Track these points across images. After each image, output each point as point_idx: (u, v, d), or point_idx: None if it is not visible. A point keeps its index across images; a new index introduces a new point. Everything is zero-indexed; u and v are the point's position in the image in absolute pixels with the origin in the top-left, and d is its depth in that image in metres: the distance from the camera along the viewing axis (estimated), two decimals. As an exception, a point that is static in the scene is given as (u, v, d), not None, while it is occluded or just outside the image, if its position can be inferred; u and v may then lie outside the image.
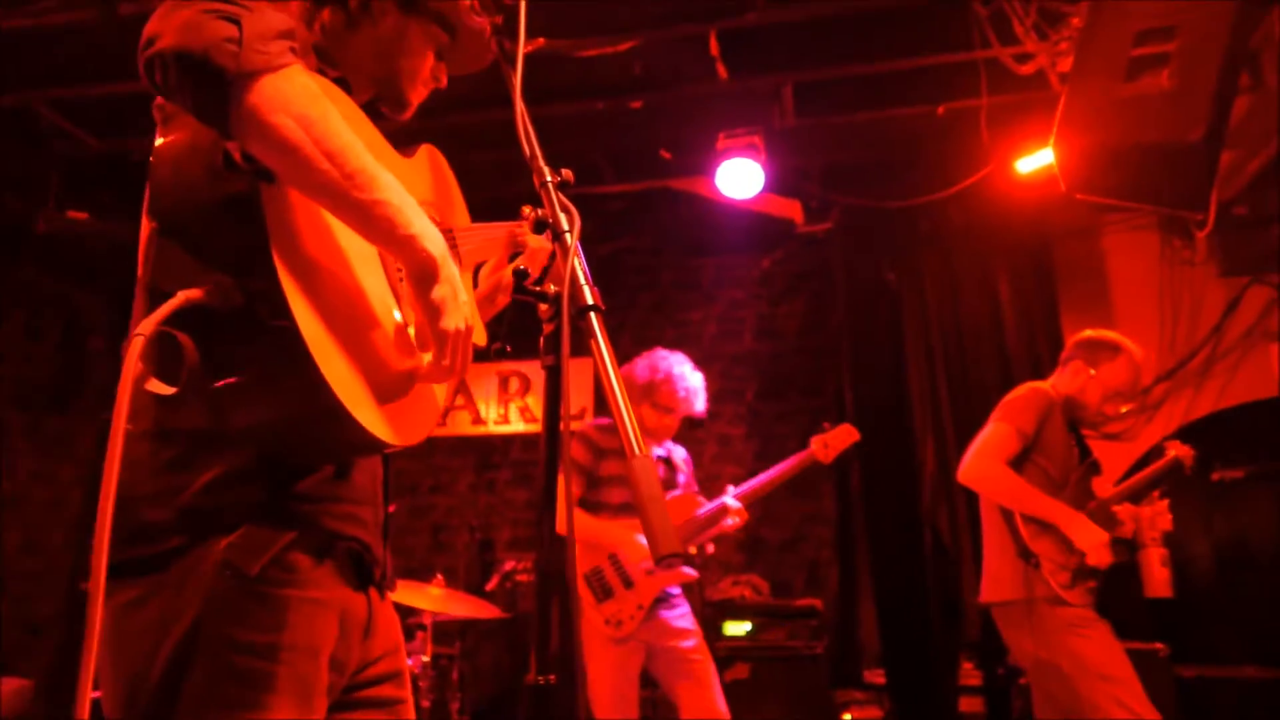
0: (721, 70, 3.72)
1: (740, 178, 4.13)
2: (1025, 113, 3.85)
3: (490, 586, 4.44)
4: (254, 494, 1.05)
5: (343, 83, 1.24)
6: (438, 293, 1.05)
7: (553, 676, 0.93)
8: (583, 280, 0.96)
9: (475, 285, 1.45)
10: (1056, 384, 3.07)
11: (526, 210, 1.11)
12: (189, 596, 1.01)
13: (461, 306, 1.08)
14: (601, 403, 5.33)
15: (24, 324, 4.76)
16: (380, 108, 1.34)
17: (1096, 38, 2.44)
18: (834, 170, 4.88)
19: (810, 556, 5.09)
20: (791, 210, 5.20)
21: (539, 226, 1.04)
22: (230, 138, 0.97)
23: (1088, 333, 3.12)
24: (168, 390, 1.01)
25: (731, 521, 3.18)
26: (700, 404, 3.36)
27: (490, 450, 5.50)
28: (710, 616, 4.06)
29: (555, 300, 1.00)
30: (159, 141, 1.04)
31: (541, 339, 1.02)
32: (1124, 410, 3.14)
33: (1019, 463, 2.91)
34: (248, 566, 1.02)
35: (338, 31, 1.26)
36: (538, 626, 0.95)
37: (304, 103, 0.97)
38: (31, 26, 3.59)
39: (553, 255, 1.03)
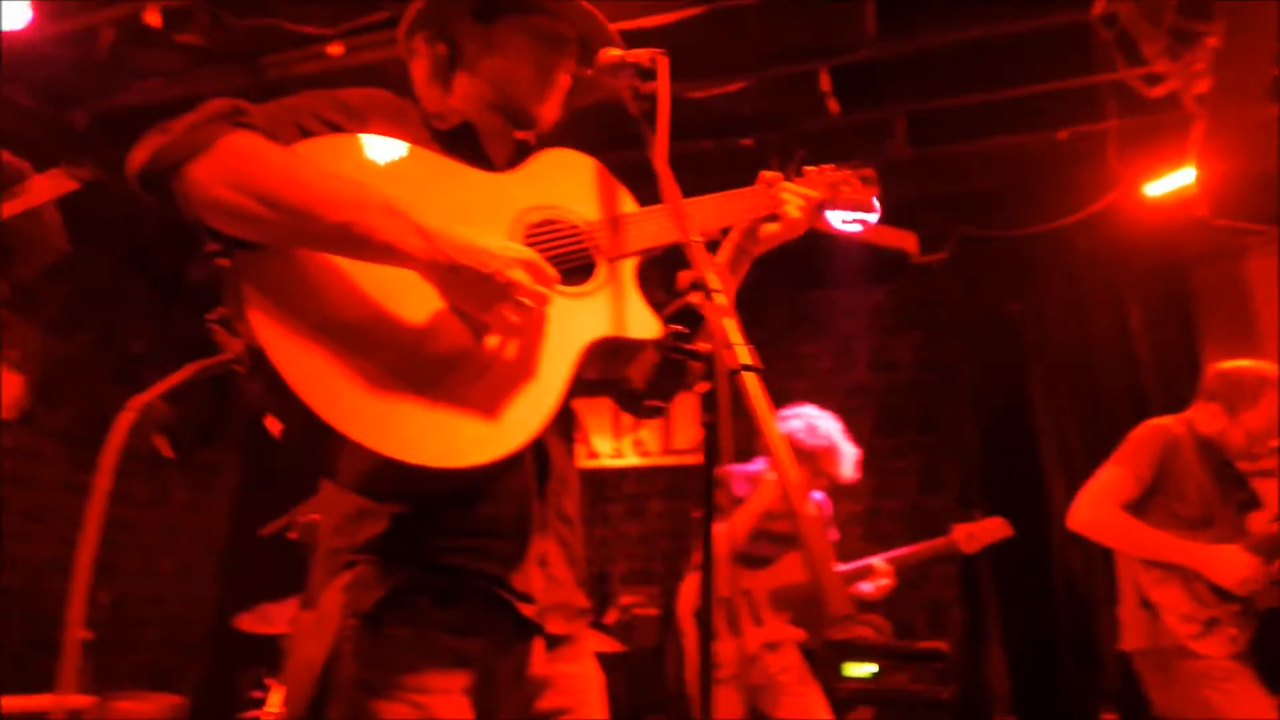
0: (833, 106, 3.72)
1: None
2: (1153, 135, 3.69)
3: (608, 620, 4.47)
4: (370, 531, 1.07)
5: (467, 127, 1.24)
6: (462, 276, 1.03)
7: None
8: (738, 339, 0.94)
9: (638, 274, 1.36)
10: (1195, 419, 2.88)
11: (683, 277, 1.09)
12: (324, 635, 1.05)
13: (496, 280, 1.03)
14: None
15: (178, 365, 5.14)
16: (518, 134, 1.31)
17: (1236, 59, 2.34)
18: (950, 199, 4.78)
19: (932, 596, 4.91)
20: (906, 241, 5.11)
21: (693, 286, 1.03)
22: (198, 223, 1.03)
23: (1227, 365, 2.92)
24: (168, 453, 1.10)
25: (870, 586, 3.16)
26: (852, 473, 3.35)
27: (603, 484, 5.57)
28: (829, 657, 3.97)
29: (709, 359, 1.00)
30: None
31: (697, 397, 1.02)
32: (1276, 446, 2.93)
33: (1142, 505, 2.75)
34: (362, 605, 1.04)
35: (441, 84, 1.27)
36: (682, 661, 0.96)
37: (233, 168, 1.00)
38: (188, 95, 3.94)
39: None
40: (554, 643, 1.19)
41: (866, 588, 3.16)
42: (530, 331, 1.10)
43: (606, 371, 1.22)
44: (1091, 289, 4.63)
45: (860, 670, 3.97)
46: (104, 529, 4.16)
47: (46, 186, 1.69)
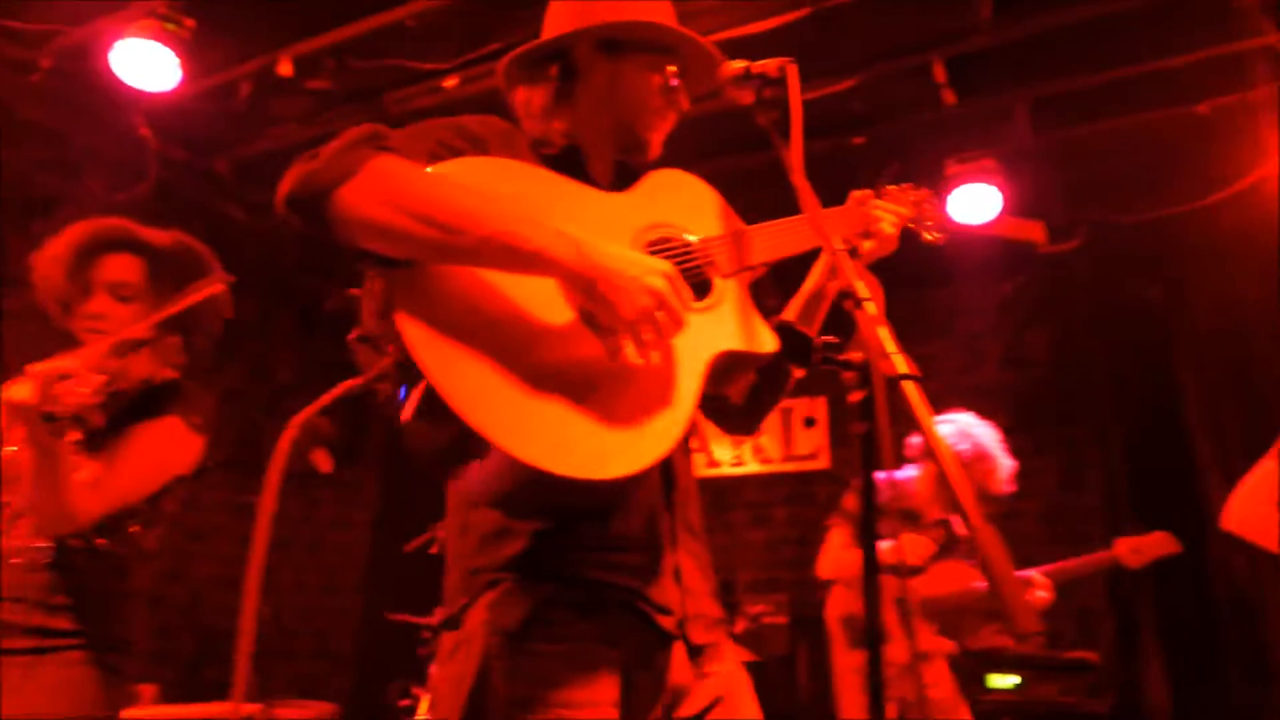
0: (949, 96, 3.60)
1: (974, 203, 3.95)
2: (1310, 100, 3.40)
3: (736, 630, 4.45)
4: (510, 550, 1.10)
5: (569, 154, 1.28)
6: (601, 288, 1.05)
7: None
8: (892, 348, 0.94)
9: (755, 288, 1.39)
10: None
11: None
12: (472, 653, 1.08)
13: (639, 289, 1.05)
14: (839, 443, 5.23)
15: (320, 390, 5.45)
16: (628, 160, 1.34)
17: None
18: (1079, 185, 4.53)
19: (1080, 605, 4.65)
20: (1033, 232, 4.87)
21: (841, 296, 1.03)
22: (350, 246, 1.06)
23: None
24: (328, 466, 1.15)
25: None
26: (1006, 485, 3.26)
27: (725, 492, 5.54)
28: (970, 667, 3.81)
29: (863, 369, 1.00)
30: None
31: (850, 404, 1.02)
32: None
33: None
34: (508, 623, 1.06)
35: (554, 107, 1.30)
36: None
37: (383, 187, 1.02)
38: (317, 136, 4.19)
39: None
40: (696, 653, 1.20)
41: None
42: (663, 343, 1.11)
43: (714, 386, 1.22)
44: (1243, 271, 4.29)
45: (1004, 682, 3.80)
46: (297, 545, 4.42)
47: (213, 282, 1.87)
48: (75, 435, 1.54)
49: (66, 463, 1.57)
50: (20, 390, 1.51)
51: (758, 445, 5.50)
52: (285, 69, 3.41)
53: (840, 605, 3.09)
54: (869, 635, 0.90)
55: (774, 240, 1.32)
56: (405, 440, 1.08)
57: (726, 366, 1.21)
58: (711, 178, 1.38)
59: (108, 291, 1.82)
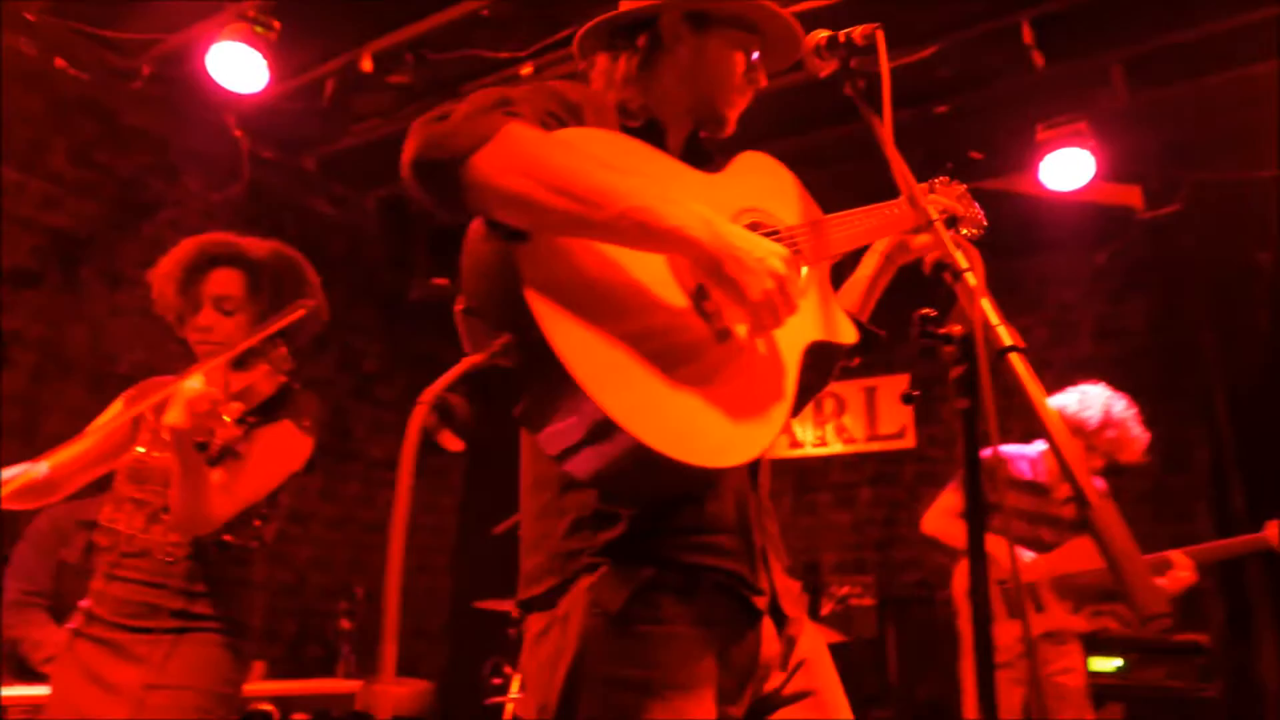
0: (1037, 58, 3.46)
1: (1066, 168, 3.80)
2: None
3: (823, 612, 4.42)
4: (608, 534, 1.10)
5: (650, 127, 1.26)
6: (728, 269, 1.03)
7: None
8: (995, 320, 0.91)
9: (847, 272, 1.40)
10: None
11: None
12: (571, 634, 1.09)
13: (764, 271, 1.04)
14: (925, 420, 5.12)
15: (405, 379, 5.61)
16: (701, 134, 1.33)
17: None
18: (1178, 146, 4.30)
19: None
20: (1129, 196, 4.66)
21: (936, 268, 1.01)
22: (480, 215, 1.04)
23: None
24: (458, 446, 1.14)
25: (1167, 582, 2.88)
26: (1138, 454, 3.11)
27: (809, 473, 5.50)
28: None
29: (964, 343, 0.97)
30: (469, 232, 1.13)
31: (950, 381, 0.99)
32: None
33: None
34: (611, 606, 1.07)
35: (637, 77, 1.28)
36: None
37: (520, 156, 0.99)
38: (398, 130, 4.29)
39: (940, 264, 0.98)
40: (782, 626, 1.22)
41: (1162, 583, 2.89)
42: (778, 328, 1.11)
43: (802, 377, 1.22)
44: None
45: (1106, 665, 3.67)
46: (356, 531, 4.60)
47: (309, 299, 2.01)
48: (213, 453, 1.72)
49: (206, 476, 1.74)
50: (174, 415, 1.66)
51: (841, 425, 5.43)
52: (366, 65, 3.50)
53: (964, 578, 3.04)
54: (976, 618, 0.87)
55: (852, 229, 1.31)
56: (508, 393, 1.06)
57: (814, 357, 1.22)
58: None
59: (214, 305, 1.97)
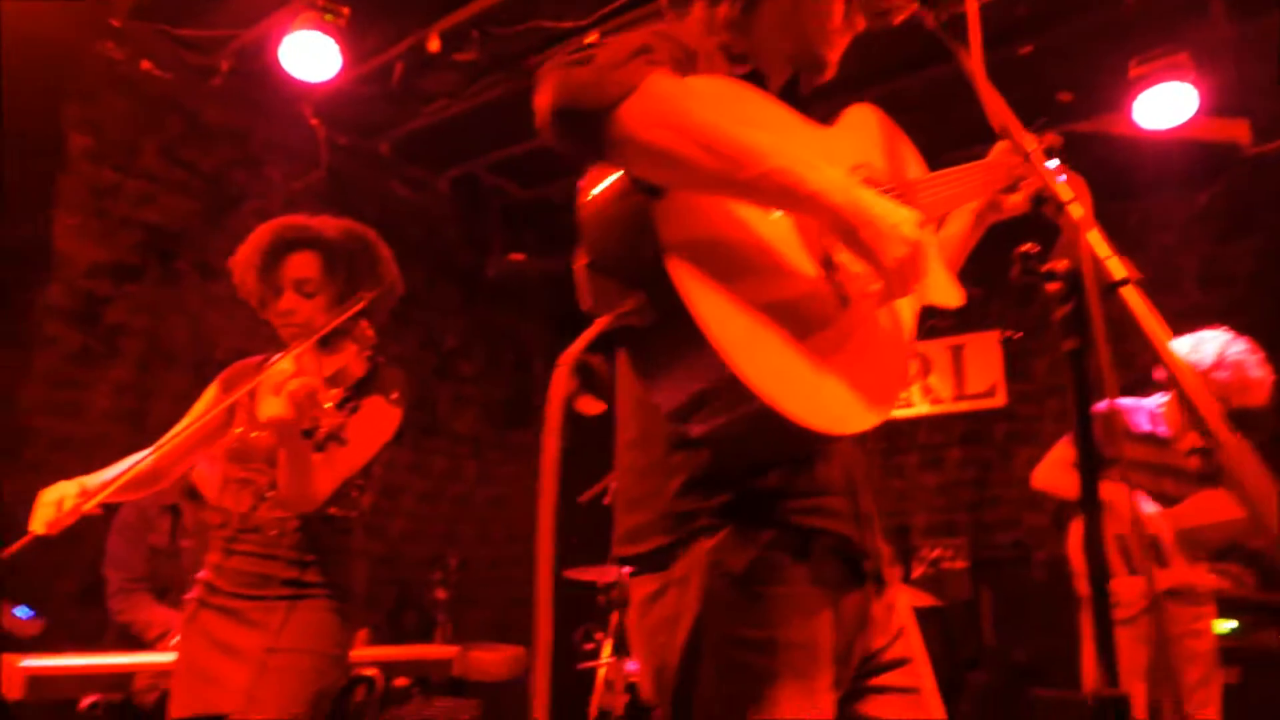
0: (1127, -11, 3.26)
1: (1164, 105, 3.58)
2: None
3: (914, 575, 4.35)
4: (723, 496, 1.09)
5: (754, 75, 1.22)
6: (864, 235, 1.01)
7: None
8: (1106, 252, 0.86)
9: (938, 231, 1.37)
10: None
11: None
12: (691, 594, 1.08)
13: (899, 238, 1.02)
14: (1015, 377, 4.95)
15: (485, 355, 5.72)
16: (800, 81, 1.30)
17: None
18: (1289, 75, 4.00)
19: (1304, 541, 4.22)
20: (1236, 131, 4.36)
21: (1036, 201, 0.96)
22: (618, 167, 1.01)
23: None
24: (598, 408, 1.14)
25: None
26: (1263, 399, 2.90)
27: (896, 434, 5.38)
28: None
29: (1070, 278, 0.91)
30: (585, 189, 1.11)
31: (1056, 320, 0.92)
32: None
33: None
34: (734, 567, 1.06)
35: (739, 22, 1.24)
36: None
37: (667, 109, 0.97)
38: (468, 109, 4.33)
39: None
40: (882, 589, 1.22)
41: None
42: (908, 294, 1.08)
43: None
44: None
45: (1221, 626, 3.51)
46: (446, 504, 4.74)
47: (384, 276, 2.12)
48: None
49: (310, 460, 1.83)
50: (276, 407, 1.74)
51: (927, 385, 5.29)
52: (434, 45, 3.53)
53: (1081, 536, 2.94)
54: (1092, 572, 0.83)
55: (953, 187, 1.27)
56: (637, 349, 1.05)
57: (922, 319, 1.21)
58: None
59: (294, 289, 2.04)
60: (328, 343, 1.95)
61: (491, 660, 4.28)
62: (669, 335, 0.98)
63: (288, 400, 1.73)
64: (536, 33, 3.68)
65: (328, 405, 1.75)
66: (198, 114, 4.21)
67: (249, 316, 2.26)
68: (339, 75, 3.76)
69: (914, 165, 1.32)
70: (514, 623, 5.59)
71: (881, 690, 1.19)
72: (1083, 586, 2.97)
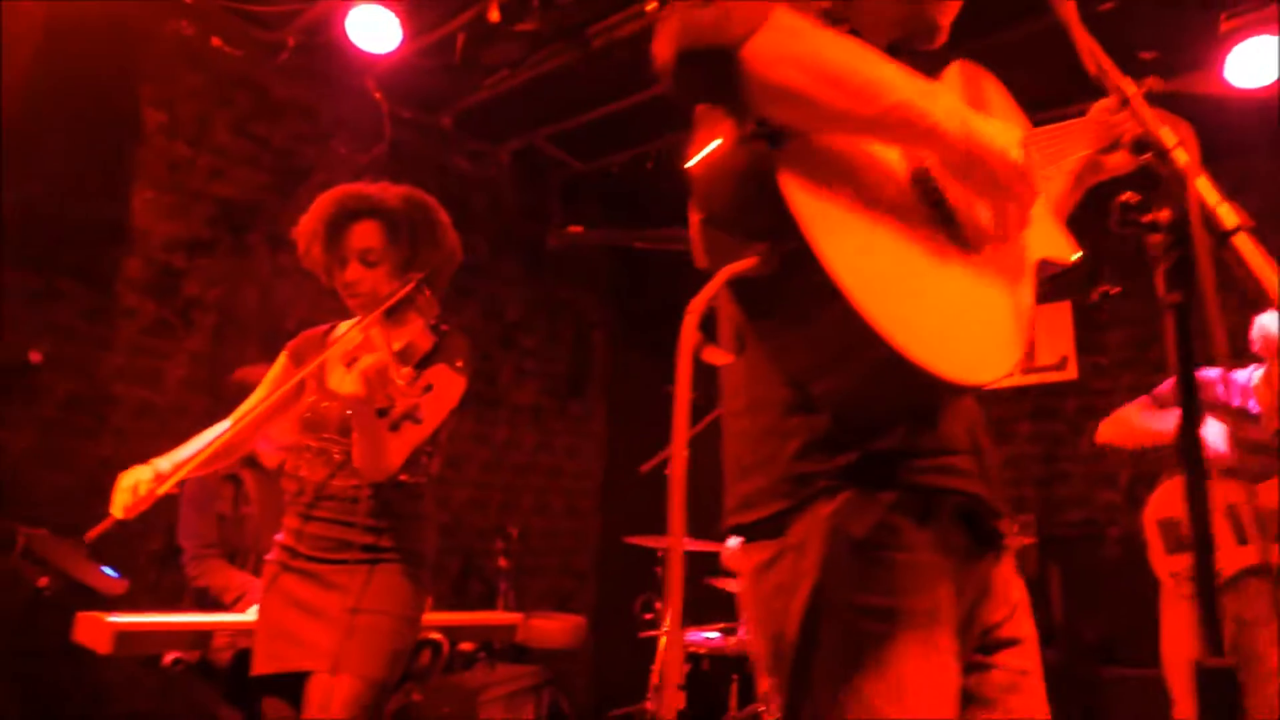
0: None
1: (1258, 61, 3.39)
2: None
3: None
4: (844, 458, 1.05)
5: (854, 35, 1.16)
6: (986, 166, 0.99)
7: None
8: (1215, 199, 0.81)
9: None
10: None
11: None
12: (809, 561, 1.04)
13: (1016, 170, 1.00)
14: (1088, 350, 4.79)
15: (545, 326, 5.76)
16: (906, 48, 1.25)
17: None
18: (1395, 25, 3.74)
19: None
20: (1332, 89, 4.11)
21: (1137, 148, 0.90)
22: (747, 110, 0.97)
23: None
24: (726, 359, 1.09)
25: None
26: None
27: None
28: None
29: (1175, 227, 0.86)
30: (692, 151, 1.08)
31: (1159, 273, 0.88)
32: None
33: None
34: (855, 531, 1.03)
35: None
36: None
37: (794, 44, 0.94)
38: (527, 80, 4.33)
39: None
40: (1000, 555, 1.17)
41: None
42: (1013, 243, 1.06)
43: None
44: None
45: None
46: (507, 473, 4.79)
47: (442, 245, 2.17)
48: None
49: (385, 434, 1.87)
50: (351, 384, 1.78)
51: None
52: (494, 15, 3.52)
53: (1158, 508, 2.89)
54: (1197, 540, 0.78)
55: (1050, 144, 1.21)
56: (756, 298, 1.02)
57: (1039, 276, 1.16)
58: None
59: (358, 259, 2.05)
60: (393, 313, 1.96)
61: (553, 629, 4.34)
62: (792, 284, 0.95)
63: (360, 378, 1.77)
64: (597, 1, 3.64)
65: (400, 383, 1.76)
66: (266, 89, 4.29)
67: (316, 287, 2.30)
68: (401, 48, 3.78)
69: (1021, 122, 1.27)
70: (573, 593, 5.67)
71: (992, 668, 1.14)
72: (1156, 561, 2.89)
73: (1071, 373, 4.85)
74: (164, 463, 1.98)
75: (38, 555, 2.77)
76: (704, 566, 3.44)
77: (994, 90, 1.26)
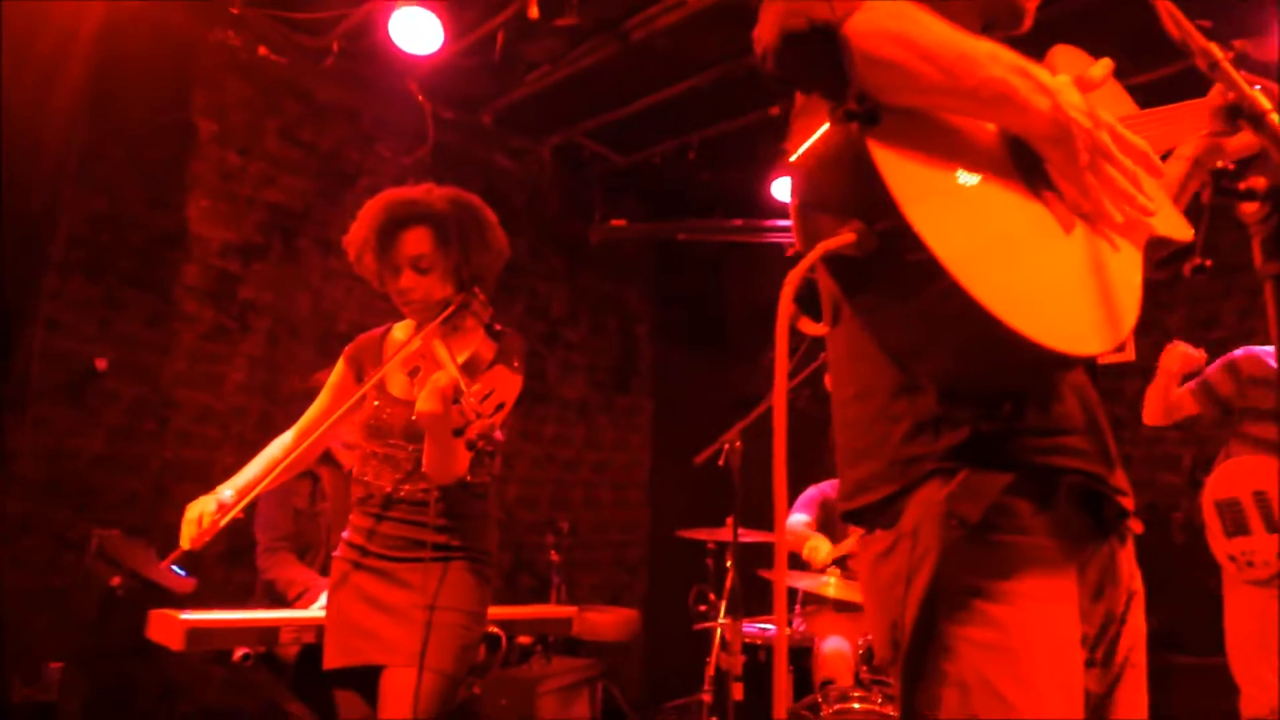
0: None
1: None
2: None
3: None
4: (952, 439, 1.04)
5: None
6: (1077, 144, 0.98)
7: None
8: None
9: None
10: None
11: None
12: (924, 546, 1.03)
13: (1099, 146, 0.98)
14: (1145, 332, 4.67)
15: (589, 321, 5.78)
16: (994, 35, 1.22)
17: None
18: None
19: None
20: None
21: (1230, 114, 0.87)
22: (849, 90, 0.98)
23: None
24: (821, 331, 1.09)
25: None
26: None
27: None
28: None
29: (1273, 195, 0.84)
30: (791, 149, 1.08)
31: (1256, 243, 0.85)
32: None
33: None
34: (969, 515, 1.01)
35: None
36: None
37: (894, 21, 0.96)
38: (567, 75, 4.34)
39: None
40: (1124, 540, 1.15)
41: None
42: (1127, 204, 1.03)
43: None
44: None
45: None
46: (556, 469, 4.80)
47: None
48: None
49: (455, 446, 1.89)
50: (427, 404, 1.84)
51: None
52: (533, 11, 3.53)
53: (1216, 489, 2.88)
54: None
55: (1160, 126, 1.18)
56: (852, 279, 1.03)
57: (1151, 252, 1.12)
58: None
59: (411, 266, 2.06)
60: (450, 320, 2.00)
61: (606, 622, 4.37)
62: (890, 262, 0.95)
63: (436, 396, 1.82)
64: (635, -7, 3.64)
65: (474, 400, 1.77)
66: (312, 95, 4.37)
67: (367, 290, 2.34)
68: (442, 49, 3.82)
69: (1124, 105, 1.23)
70: (625, 586, 5.70)
71: (1112, 661, 1.11)
72: (1215, 544, 2.83)
73: (1130, 355, 4.73)
74: (228, 491, 2.04)
75: (110, 556, 2.87)
76: (758, 558, 3.43)
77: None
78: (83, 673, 3.12)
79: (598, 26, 3.88)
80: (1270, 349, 2.88)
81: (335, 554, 2.13)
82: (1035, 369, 0.99)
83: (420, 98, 4.46)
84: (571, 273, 5.63)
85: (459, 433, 1.79)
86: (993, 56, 0.97)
